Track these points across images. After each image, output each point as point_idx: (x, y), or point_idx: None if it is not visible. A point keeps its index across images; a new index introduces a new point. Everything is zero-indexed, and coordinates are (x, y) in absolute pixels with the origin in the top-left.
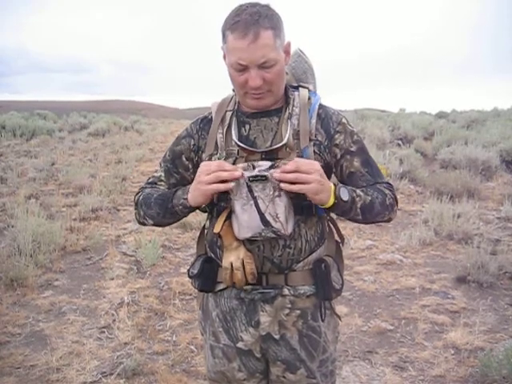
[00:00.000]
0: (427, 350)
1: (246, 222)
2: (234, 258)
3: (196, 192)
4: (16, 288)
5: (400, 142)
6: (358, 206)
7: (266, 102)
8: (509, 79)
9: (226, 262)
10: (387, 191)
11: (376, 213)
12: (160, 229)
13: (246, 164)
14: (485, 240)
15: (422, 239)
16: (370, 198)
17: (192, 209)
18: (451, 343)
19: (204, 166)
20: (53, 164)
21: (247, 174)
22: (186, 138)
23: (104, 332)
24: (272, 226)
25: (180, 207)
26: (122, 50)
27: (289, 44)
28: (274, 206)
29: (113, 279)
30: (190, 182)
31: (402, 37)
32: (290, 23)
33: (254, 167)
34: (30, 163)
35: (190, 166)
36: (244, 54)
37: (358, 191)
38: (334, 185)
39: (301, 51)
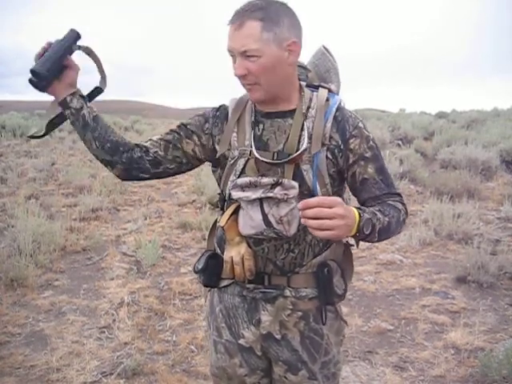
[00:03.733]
0: (427, 350)
1: (249, 219)
2: (234, 252)
3: None
4: (16, 288)
5: (400, 142)
6: (377, 229)
7: (257, 96)
8: (509, 79)
9: (226, 256)
10: (400, 206)
11: (391, 232)
12: (160, 229)
13: (247, 181)
14: (485, 240)
15: (422, 239)
16: (387, 219)
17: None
18: (451, 343)
19: None
20: (53, 164)
21: (252, 195)
22: (200, 116)
23: (104, 332)
24: (274, 228)
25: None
26: (122, 50)
27: (293, 42)
28: (278, 209)
29: (113, 279)
30: (182, 150)
31: (402, 36)
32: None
33: (256, 186)
34: (30, 163)
35: (195, 138)
36: (230, 40)
37: (378, 214)
38: (359, 214)
39: (325, 49)
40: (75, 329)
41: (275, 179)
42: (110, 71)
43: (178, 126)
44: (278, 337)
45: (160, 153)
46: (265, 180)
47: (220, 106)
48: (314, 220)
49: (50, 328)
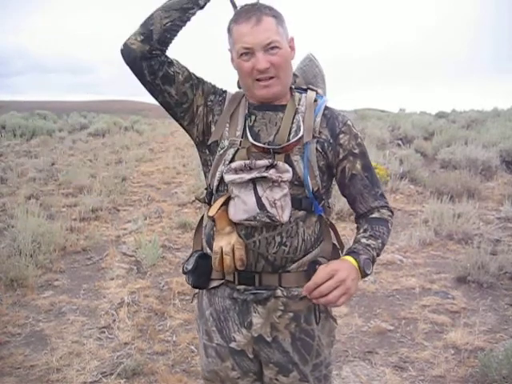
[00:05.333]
0: (427, 350)
1: (242, 204)
2: (224, 242)
3: None
4: (16, 288)
5: (400, 142)
6: (376, 257)
7: (275, 91)
8: (509, 79)
9: (216, 247)
10: (387, 214)
11: (385, 245)
12: (160, 229)
13: (242, 164)
14: (485, 240)
15: (422, 239)
16: (380, 241)
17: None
18: (451, 343)
19: None
20: (53, 164)
21: (246, 176)
22: (212, 87)
23: (104, 332)
24: (267, 211)
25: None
26: None
27: (292, 39)
28: (272, 193)
29: (113, 279)
30: (192, 95)
31: (402, 36)
32: (291, 22)
33: (250, 168)
34: (30, 163)
35: (200, 99)
36: (249, 37)
37: (371, 242)
38: (354, 259)
39: (312, 56)
40: (75, 329)
41: (270, 161)
42: (110, 71)
43: (201, 81)
44: (269, 339)
45: (179, 77)
46: (260, 162)
47: (225, 92)
48: (324, 298)
49: (50, 328)
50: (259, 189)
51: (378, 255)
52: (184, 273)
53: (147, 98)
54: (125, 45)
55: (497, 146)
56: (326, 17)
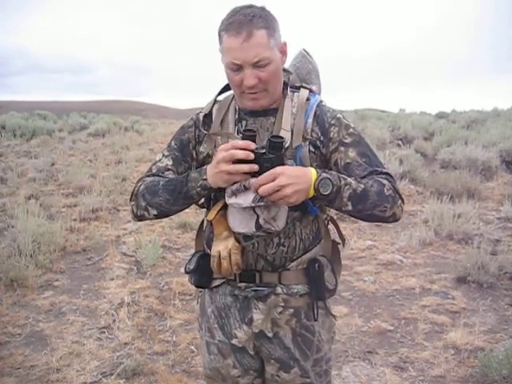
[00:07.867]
0: (427, 351)
1: (240, 220)
2: (222, 247)
3: (218, 179)
4: (16, 288)
5: (400, 142)
6: (346, 195)
7: (263, 103)
8: (509, 79)
9: (214, 251)
10: (385, 181)
11: (372, 204)
12: (160, 229)
13: (237, 187)
14: (485, 240)
15: (422, 239)
16: (362, 186)
17: (212, 190)
18: (451, 343)
19: (220, 151)
20: (53, 164)
21: (244, 203)
22: (192, 127)
23: (104, 332)
24: (262, 227)
25: (198, 189)
26: (122, 50)
27: (285, 44)
28: (269, 213)
29: (113, 279)
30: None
31: (402, 36)
32: (291, 22)
33: (245, 187)
34: (30, 163)
35: (194, 156)
36: (238, 53)
37: (349, 179)
38: (317, 173)
39: (306, 52)
40: (75, 329)
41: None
42: (109, 72)
43: (180, 150)
44: (270, 335)
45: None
46: (253, 180)
47: (208, 114)
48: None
49: (50, 328)
50: (257, 210)
51: (350, 196)
52: (187, 273)
53: (147, 98)
54: (137, 216)
55: (497, 146)
56: (326, 16)
